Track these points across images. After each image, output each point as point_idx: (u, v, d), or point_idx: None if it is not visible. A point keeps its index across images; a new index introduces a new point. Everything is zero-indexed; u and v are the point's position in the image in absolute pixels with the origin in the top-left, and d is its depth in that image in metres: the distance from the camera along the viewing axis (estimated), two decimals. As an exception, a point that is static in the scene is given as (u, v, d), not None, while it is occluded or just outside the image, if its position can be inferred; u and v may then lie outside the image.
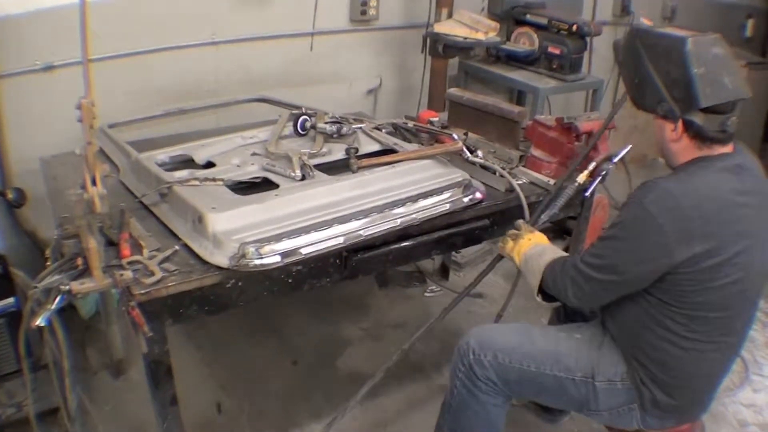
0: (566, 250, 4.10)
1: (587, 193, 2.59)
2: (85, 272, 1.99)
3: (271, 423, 3.01)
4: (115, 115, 3.10)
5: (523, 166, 2.85)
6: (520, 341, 2.28)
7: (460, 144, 2.68)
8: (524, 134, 2.94)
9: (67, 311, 1.91)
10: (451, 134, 2.86)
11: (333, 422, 2.68)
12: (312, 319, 3.72)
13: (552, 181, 2.71)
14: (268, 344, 3.52)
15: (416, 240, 2.43)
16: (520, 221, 2.47)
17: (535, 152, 2.85)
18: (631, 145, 2.57)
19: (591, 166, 2.55)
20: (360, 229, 2.24)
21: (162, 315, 2.03)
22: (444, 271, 4.20)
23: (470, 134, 2.99)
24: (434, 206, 2.42)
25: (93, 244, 1.90)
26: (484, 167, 2.76)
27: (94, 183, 1.92)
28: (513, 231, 2.42)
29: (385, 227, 2.29)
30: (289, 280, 2.22)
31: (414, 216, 2.36)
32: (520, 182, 2.71)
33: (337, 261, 2.29)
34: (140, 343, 1.98)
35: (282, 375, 3.32)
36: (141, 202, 2.39)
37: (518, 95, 4.77)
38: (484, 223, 2.61)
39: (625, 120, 5.63)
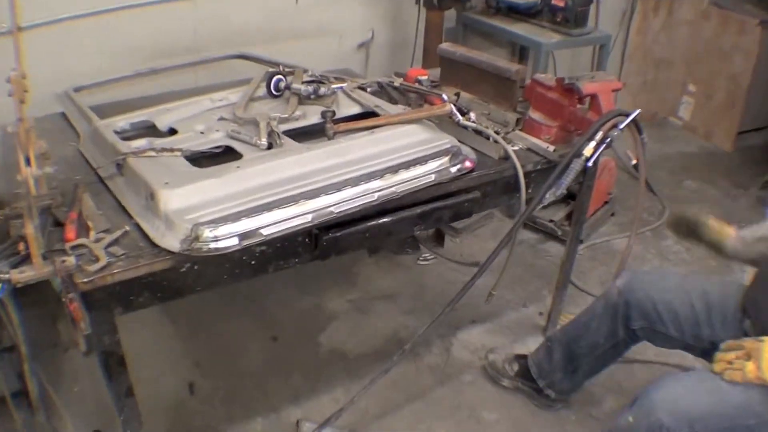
0: (569, 216, 3.91)
1: (590, 163, 2.37)
2: (28, 258, 1.78)
3: (245, 405, 2.83)
4: (89, 78, 2.87)
5: (521, 129, 2.60)
6: (713, 402, 1.97)
7: (449, 106, 2.43)
8: (523, 95, 2.69)
9: (40, 283, 1.74)
10: (440, 94, 2.61)
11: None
12: (295, 291, 3.51)
13: (551, 147, 2.49)
14: (247, 318, 3.32)
15: (396, 215, 2.20)
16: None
17: (534, 115, 2.61)
18: (639, 110, 2.36)
19: (597, 137, 2.33)
20: (331, 205, 2.02)
21: (110, 303, 1.85)
22: (439, 238, 3.97)
23: (463, 94, 2.75)
24: (417, 178, 2.20)
25: (30, 230, 1.70)
26: (477, 132, 2.52)
27: (28, 163, 1.70)
28: (732, 345, 2.03)
29: (360, 203, 2.07)
30: (252, 262, 2.01)
31: (393, 189, 2.14)
32: (516, 148, 2.49)
33: (307, 240, 2.08)
34: (78, 341, 1.77)
35: (260, 352, 3.13)
36: (98, 175, 2.17)
37: (521, 51, 4.49)
38: (475, 196, 2.38)
39: (634, 77, 5.37)
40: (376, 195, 2.10)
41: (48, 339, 3.00)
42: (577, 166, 2.32)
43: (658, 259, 3.97)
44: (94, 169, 2.20)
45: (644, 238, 4.16)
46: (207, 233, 1.82)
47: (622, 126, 2.33)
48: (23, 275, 1.72)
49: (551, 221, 3.97)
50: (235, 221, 1.87)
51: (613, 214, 4.32)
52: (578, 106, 2.52)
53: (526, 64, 4.28)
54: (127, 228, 1.92)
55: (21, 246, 1.81)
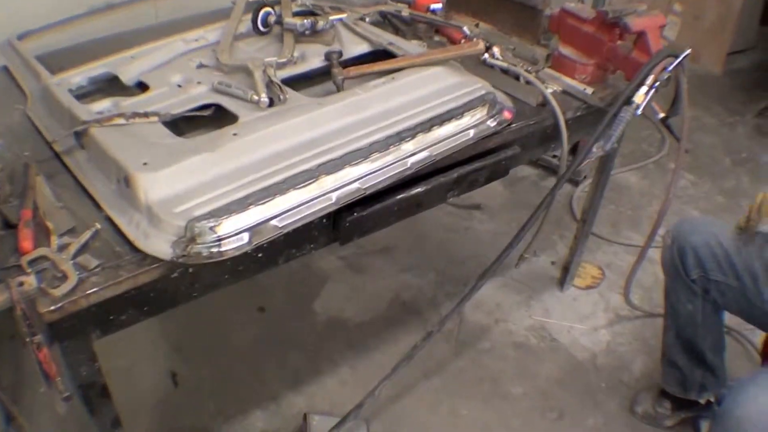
0: (573, 149, 3.51)
1: (639, 111, 2.00)
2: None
3: (238, 395, 2.46)
4: (35, 22, 2.26)
5: (549, 67, 2.20)
6: None
7: (481, 44, 2.00)
8: (548, 26, 2.26)
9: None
10: (460, 27, 2.17)
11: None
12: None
13: (589, 90, 2.11)
14: (228, 287, 2.88)
15: (430, 183, 1.80)
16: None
17: (565, 50, 2.20)
18: (690, 49, 1.98)
19: (648, 81, 1.96)
20: (357, 179, 1.59)
21: (85, 329, 1.43)
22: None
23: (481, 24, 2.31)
24: (454, 136, 1.78)
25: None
26: (504, 72, 2.10)
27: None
28: None
29: (391, 173, 1.65)
30: (259, 255, 1.59)
31: (428, 153, 1.72)
32: (550, 90, 2.07)
33: (324, 220, 1.64)
34: (55, 402, 1.35)
35: (248, 327, 2.73)
36: (52, 149, 1.69)
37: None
38: (514, 152, 1.98)
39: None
40: (409, 162, 1.67)
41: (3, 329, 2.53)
42: (627, 115, 1.99)
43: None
44: (47, 142, 1.71)
45: (647, 171, 3.87)
46: (207, 232, 1.38)
47: (670, 68, 1.96)
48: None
49: (554, 156, 3.57)
50: (242, 210, 1.43)
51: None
52: (619, 42, 2.14)
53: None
54: (98, 225, 1.46)
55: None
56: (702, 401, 2.38)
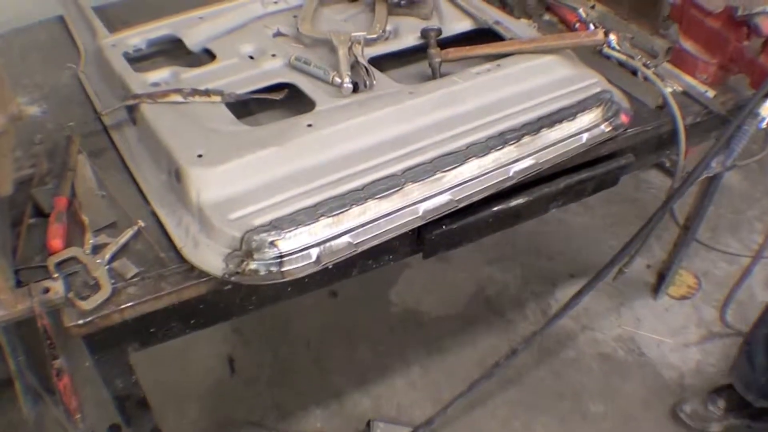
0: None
1: (763, 124, 1.75)
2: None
3: (298, 388, 2.30)
4: None
5: (668, 61, 1.91)
6: None
7: (600, 34, 1.72)
8: (669, 14, 1.95)
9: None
10: (575, 8, 1.89)
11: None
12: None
13: (711, 93, 1.83)
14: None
15: (532, 194, 1.53)
16: None
17: (686, 43, 1.91)
18: None
19: None
20: (449, 189, 1.35)
21: (121, 342, 1.25)
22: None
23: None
24: (564, 141, 1.51)
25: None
26: (621, 64, 1.82)
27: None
28: None
29: (489, 184, 1.39)
30: (330, 267, 1.34)
31: (534, 161, 1.45)
32: (670, 90, 1.79)
33: (408, 232, 1.39)
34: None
35: (317, 312, 2.55)
36: (101, 121, 1.50)
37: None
38: (628, 160, 1.70)
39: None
40: (511, 170, 1.42)
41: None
42: (750, 128, 1.76)
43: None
44: (96, 112, 1.51)
45: (749, 171, 3.47)
46: (267, 246, 1.15)
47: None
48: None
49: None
50: (311, 222, 1.20)
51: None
52: (746, 42, 1.87)
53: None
54: (141, 223, 1.26)
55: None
56: (757, 405, 2.21)
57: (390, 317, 2.56)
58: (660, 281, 2.74)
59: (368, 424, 2.11)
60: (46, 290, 1.11)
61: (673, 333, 2.65)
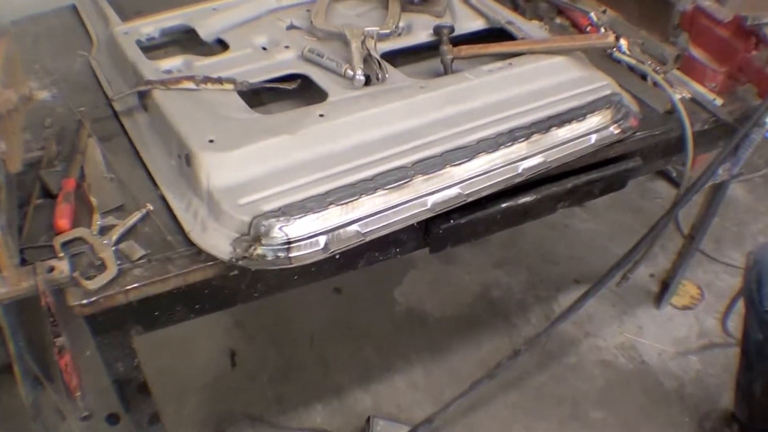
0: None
1: None
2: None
3: (299, 384, 2.28)
4: None
5: (677, 69, 1.93)
6: None
7: (612, 37, 1.72)
8: (679, 22, 1.96)
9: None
10: (587, 12, 1.89)
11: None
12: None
13: (719, 101, 1.83)
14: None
15: (541, 192, 1.53)
16: None
17: (695, 51, 1.93)
18: None
19: None
20: (458, 183, 1.35)
21: (124, 324, 1.24)
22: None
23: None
24: (573, 141, 1.51)
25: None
26: (630, 69, 1.84)
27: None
28: None
29: (498, 180, 1.39)
30: (337, 257, 1.34)
31: (543, 159, 1.46)
32: (679, 97, 1.80)
33: (415, 224, 1.40)
34: (69, 418, 1.18)
35: (321, 309, 2.54)
36: (112, 107, 1.50)
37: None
38: (636, 164, 1.70)
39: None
40: (520, 167, 1.42)
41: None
42: (757, 137, 1.79)
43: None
44: (107, 97, 1.51)
45: (754, 185, 3.48)
46: (275, 232, 1.15)
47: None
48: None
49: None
50: (320, 210, 1.20)
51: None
52: (754, 52, 1.89)
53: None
54: (150, 207, 1.26)
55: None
56: None
57: (394, 316, 2.56)
58: (663, 291, 2.73)
59: (368, 420, 2.11)
60: (51, 269, 1.11)
61: (674, 342, 2.64)
